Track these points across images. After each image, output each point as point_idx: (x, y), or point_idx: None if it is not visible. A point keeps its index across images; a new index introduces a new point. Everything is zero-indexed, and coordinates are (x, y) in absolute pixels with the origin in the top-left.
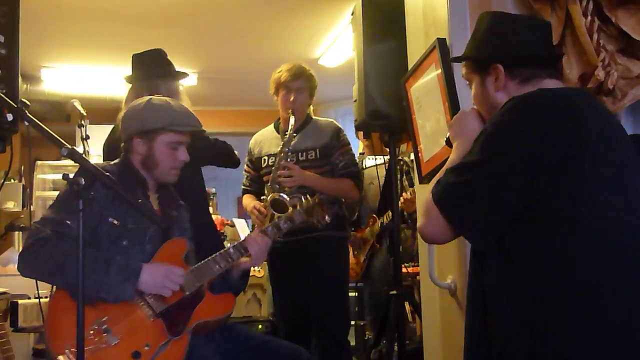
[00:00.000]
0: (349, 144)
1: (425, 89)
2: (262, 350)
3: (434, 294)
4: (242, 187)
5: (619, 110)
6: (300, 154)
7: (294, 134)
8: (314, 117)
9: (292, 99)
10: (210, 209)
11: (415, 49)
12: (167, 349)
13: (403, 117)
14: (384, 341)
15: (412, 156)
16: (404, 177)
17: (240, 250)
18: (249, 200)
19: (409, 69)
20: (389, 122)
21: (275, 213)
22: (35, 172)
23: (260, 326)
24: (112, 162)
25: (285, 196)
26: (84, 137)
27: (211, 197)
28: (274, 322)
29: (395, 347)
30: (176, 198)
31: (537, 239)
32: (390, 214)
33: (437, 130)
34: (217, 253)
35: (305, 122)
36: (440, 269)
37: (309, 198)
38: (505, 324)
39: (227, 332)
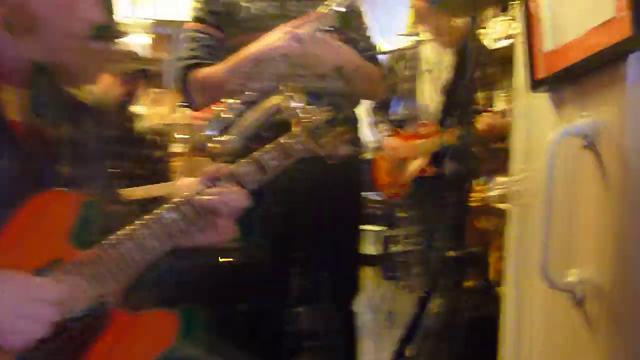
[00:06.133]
0: None
1: None
2: None
3: (535, 299)
4: (188, 58)
5: None
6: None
7: None
8: None
9: None
10: None
11: None
12: None
13: None
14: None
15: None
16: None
17: (190, 215)
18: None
19: None
20: None
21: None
22: None
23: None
24: None
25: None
26: None
27: None
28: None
29: None
30: (69, 93)
31: None
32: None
33: None
34: (144, 219)
35: None
36: (559, 257)
37: (309, 113)
38: None
39: None
